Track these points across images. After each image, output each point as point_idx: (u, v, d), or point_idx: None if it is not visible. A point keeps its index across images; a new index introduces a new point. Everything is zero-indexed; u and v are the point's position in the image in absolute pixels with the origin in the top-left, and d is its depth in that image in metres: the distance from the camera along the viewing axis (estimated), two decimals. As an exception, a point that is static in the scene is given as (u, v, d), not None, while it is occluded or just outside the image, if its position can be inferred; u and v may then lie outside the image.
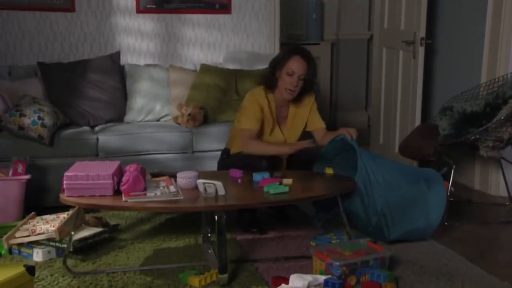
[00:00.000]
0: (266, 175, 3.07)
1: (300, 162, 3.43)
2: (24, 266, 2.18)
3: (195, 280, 2.65)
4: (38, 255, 3.01)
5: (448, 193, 3.67)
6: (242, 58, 4.66)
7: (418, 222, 3.20)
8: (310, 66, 3.35)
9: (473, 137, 3.71)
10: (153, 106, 4.37)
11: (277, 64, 3.39)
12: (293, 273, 2.66)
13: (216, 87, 4.32)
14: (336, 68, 6.69)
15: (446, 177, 3.42)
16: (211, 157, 3.96)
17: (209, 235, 3.18)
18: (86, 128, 4.10)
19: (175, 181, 2.94)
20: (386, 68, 5.17)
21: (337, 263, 2.61)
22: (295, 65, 3.31)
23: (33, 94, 4.02)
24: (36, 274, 2.57)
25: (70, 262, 2.93)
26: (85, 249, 3.09)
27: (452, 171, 3.75)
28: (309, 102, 3.51)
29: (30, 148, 3.75)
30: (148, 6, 4.76)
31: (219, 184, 2.74)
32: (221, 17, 4.91)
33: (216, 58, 4.92)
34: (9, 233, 3.06)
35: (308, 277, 2.58)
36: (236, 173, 3.11)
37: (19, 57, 4.58)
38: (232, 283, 2.73)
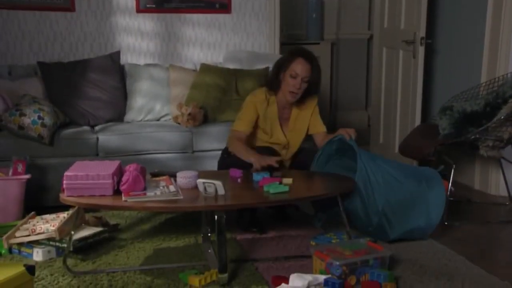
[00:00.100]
0: (266, 174, 3.07)
1: (302, 162, 3.44)
2: (24, 265, 2.18)
3: (195, 280, 2.65)
4: (38, 255, 3.01)
5: (448, 193, 3.67)
6: (242, 57, 4.66)
7: (419, 221, 3.20)
8: (314, 68, 3.35)
9: (473, 137, 3.71)
10: (153, 106, 4.37)
11: (280, 66, 3.40)
12: (293, 272, 2.66)
13: (216, 86, 4.32)
14: (336, 68, 6.69)
15: (444, 176, 3.42)
16: (211, 156, 3.96)
17: (209, 234, 3.18)
18: (86, 127, 4.10)
19: (175, 180, 2.94)
20: (386, 68, 5.17)
21: (337, 263, 2.61)
22: (299, 68, 3.31)
23: (33, 94, 4.02)
24: (36, 273, 2.57)
25: (70, 261, 2.93)
26: (85, 248, 3.09)
27: (452, 170, 3.75)
28: (312, 105, 3.52)
29: (30, 147, 3.75)
30: (148, 5, 4.75)
31: (219, 183, 2.74)
32: (221, 17, 4.91)
33: (216, 57, 4.91)
34: (9, 233, 3.06)
35: (308, 277, 2.58)
36: (236, 172, 3.11)
37: (19, 56, 4.57)
38: (232, 282, 2.73)
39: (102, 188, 2.72)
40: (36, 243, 3.04)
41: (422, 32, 4.48)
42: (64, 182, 2.72)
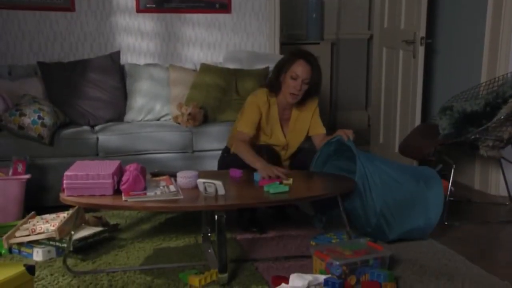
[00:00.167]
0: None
1: (301, 162, 3.44)
2: (24, 265, 2.18)
3: (195, 280, 2.65)
4: (38, 255, 3.01)
5: (448, 193, 3.68)
6: (242, 57, 4.66)
7: (418, 221, 3.20)
8: (314, 70, 3.35)
9: (473, 137, 3.71)
10: (153, 106, 4.37)
11: (281, 67, 3.40)
12: (293, 272, 2.66)
13: (216, 86, 4.32)
14: (336, 68, 6.69)
15: (442, 175, 3.42)
16: (211, 156, 3.96)
17: (209, 234, 3.18)
18: (86, 127, 4.10)
19: (175, 180, 2.94)
20: (386, 68, 5.17)
21: (337, 263, 2.61)
22: (299, 69, 3.31)
23: (33, 94, 4.02)
24: (36, 273, 2.57)
25: (70, 261, 2.93)
26: (85, 248, 3.09)
27: (452, 170, 3.75)
28: (312, 107, 3.52)
29: (30, 147, 3.75)
30: (148, 5, 4.75)
31: (219, 183, 2.74)
32: (221, 17, 4.91)
33: (216, 57, 4.91)
34: (9, 233, 3.06)
35: (308, 277, 2.58)
36: (236, 172, 3.11)
37: (19, 56, 4.57)
38: (232, 282, 2.73)
39: (102, 188, 2.72)
40: (36, 243, 3.04)
41: (422, 32, 4.48)
42: (64, 181, 2.72)
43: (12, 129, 3.75)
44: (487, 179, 4.37)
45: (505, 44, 4.16)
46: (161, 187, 2.83)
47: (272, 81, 3.46)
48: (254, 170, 3.17)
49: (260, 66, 4.46)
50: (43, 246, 3.03)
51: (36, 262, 2.96)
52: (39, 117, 3.76)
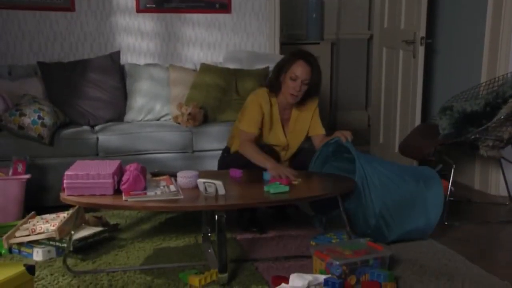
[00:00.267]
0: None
1: (301, 162, 3.44)
2: (24, 265, 2.18)
3: (195, 280, 2.65)
4: (38, 255, 3.01)
5: (448, 193, 3.68)
6: (242, 57, 4.66)
7: (418, 222, 3.20)
8: (314, 71, 3.35)
9: (473, 137, 3.71)
10: (153, 106, 4.37)
11: (281, 68, 3.40)
12: (293, 272, 2.66)
13: (216, 86, 4.32)
14: (336, 68, 6.69)
15: (442, 175, 3.42)
16: (211, 156, 3.96)
17: (209, 234, 3.18)
18: (86, 127, 4.10)
19: (175, 180, 2.94)
20: (386, 68, 5.17)
21: (337, 263, 2.61)
22: (299, 70, 3.31)
23: (33, 94, 4.02)
24: (36, 273, 2.57)
25: (70, 261, 2.93)
26: (85, 248, 3.09)
27: (452, 170, 3.75)
28: (312, 107, 3.52)
29: (30, 147, 3.75)
30: (148, 5, 4.75)
31: (219, 183, 2.74)
32: (221, 17, 4.91)
33: (216, 57, 4.91)
34: (9, 233, 3.06)
35: (308, 277, 2.58)
36: (236, 172, 3.11)
37: (19, 56, 4.57)
38: (232, 282, 2.73)
39: (102, 188, 2.72)
40: (36, 243, 3.04)
41: (422, 32, 4.48)
42: (65, 181, 2.72)
43: (12, 129, 3.75)
44: (487, 179, 4.37)
45: (505, 44, 4.16)
46: (161, 187, 2.83)
47: (272, 81, 3.46)
48: (254, 169, 3.17)
49: (260, 66, 4.46)
50: (43, 246, 3.03)
51: (36, 262, 2.96)
52: (39, 117, 3.76)
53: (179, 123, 4.18)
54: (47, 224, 3.04)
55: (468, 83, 4.35)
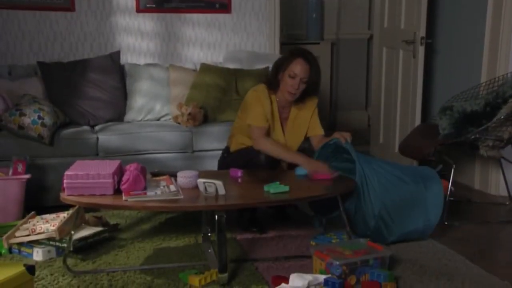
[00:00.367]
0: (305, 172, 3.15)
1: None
2: (24, 265, 2.18)
3: (195, 280, 2.65)
4: (38, 255, 3.01)
5: (448, 193, 3.68)
6: (242, 57, 4.66)
7: (417, 222, 3.20)
8: (313, 69, 3.35)
9: (473, 137, 3.71)
10: (153, 106, 4.37)
11: (280, 66, 3.39)
12: (293, 272, 2.66)
13: (216, 86, 4.32)
14: (336, 68, 6.69)
15: (442, 175, 3.42)
16: (211, 156, 3.96)
17: (209, 234, 3.18)
18: (86, 127, 4.10)
19: (175, 180, 2.94)
20: (386, 68, 5.17)
21: (337, 263, 2.61)
22: (298, 68, 3.31)
23: (33, 94, 4.02)
24: (36, 273, 2.57)
25: (70, 261, 2.93)
26: (85, 248, 3.09)
27: (452, 170, 3.75)
28: (312, 106, 3.51)
29: (30, 147, 3.75)
30: (148, 5, 4.75)
31: (219, 183, 2.74)
32: (221, 17, 4.91)
33: (216, 57, 4.91)
34: (9, 233, 3.06)
35: (308, 277, 2.58)
36: (236, 172, 3.11)
37: (19, 56, 4.57)
38: (232, 282, 2.73)
39: (102, 188, 2.72)
40: (36, 243, 3.04)
41: (422, 32, 4.48)
42: (65, 181, 2.72)
43: (12, 129, 3.75)
44: (487, 179, 4.37)
45: (505, 44, 4.16)
46: (161, 187, 2.83)
47: (270, 79, 3.46)
48: (254, 166, 3.17)
49: (260, 66, 4.46)
50: (43, 246, 3.03)
51: (36, 262, 2.96)
52: (39, 117, 3.76)
53: (179, 123, 4.18)
54: (47, 224, 3.04)
55: (468, 83, 4.35)
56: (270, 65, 4.19)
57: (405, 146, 4.09)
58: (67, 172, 2.73)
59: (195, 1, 4.83)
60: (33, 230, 3.02)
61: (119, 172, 2.83)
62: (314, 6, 6.35)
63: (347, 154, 3.26)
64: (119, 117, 4.33)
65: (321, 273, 2.67)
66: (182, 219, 3.62)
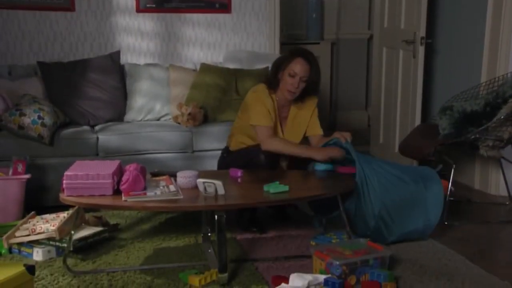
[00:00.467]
0: (329, 166, 3.21)
1: (300, 162, 3.44)
2: (24, 265, 2.18)
3: (195, 280, 2.65)
4: (38, 255, 3.01)
5: (448, 193, 3.68)
6: (242, 57, 4.66)
7: (417, 222, 3.20)
8: (313, 68, 3.35)
9: (473, 137, 3.71)
10: (153, 106, 4.37)
11: (280, 65, 3.40)
12: (293, 272, 2.66)
13: (216, 86, 4.32)
14: (336, 68, 6.69)
15: (441, 175, 3.42)
16: (211, 156, 3.96)
17: (209, 234, 3.18)
18: (86, 127, 4.10)
19: (175, 180, 2.94)
20: (386, 68, 5.17)
21: (337, 263, 2.61)
22: (298, 67, 3.32)
23: (33, 94, 4.02)
24: (36, 273, 2.57)
25: (70, 261, 2.93)
26: (85, 248, 3.09)
27: (452, 170, 3.75)
28: (311, 106, 3.51)
29: (30, 147, 3.75)
30: (148, 5, 4.75)
31: (219, 183, 2.74)
32: (221, 17, 4.91)
33: (216, 57, 4.91)
34: (9, 233, 3.06)
35: (308, 277, 2.58)
36: (236, 172, 3.11)
37: (19, 56, 4.57)
38: (232, 282, 2.73)
39: (102, 188, 2.72)
40: (36, 242, 3.04)
41: (422, 32, 4.48)
42: (64, 181, 2.72)
43: (12, 129, 3.75)
44: (487, 179, 4.37)
45: (505, 44, 4.16)
46: (161, 187, 2.83)
47: (270, 78, 3.46)
48: (254, 165, 3.18)
49: (260, 66, 4.46)
50: (43, 246, 3.03)
51: (36, 262, 2.96)
52: (39, 117, 3.76)
53: (179, 123, 4.18)
54: (47, 224, 3.04)
55: (468, 83, 4.35)
56: (270, 65, 4.19)
57: (405, 146, 4.09)
58: (66, 173, 2.73)
59: (195, 1, 4.83)
60: (33, 230, 3.02)
61: (119, 172, 2.83)
62: (314, 6, 6.35)
63: (347, 154, 3.26)
64: (119, 117, 4.33)
65: (321, 273, 2.67)
66: (182, 219, 3.62)
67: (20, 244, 3.07)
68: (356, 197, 3.10)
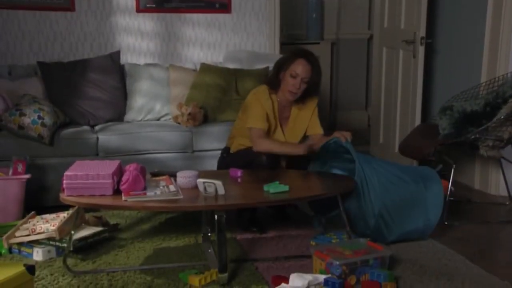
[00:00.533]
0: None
1: (300, 161, 3.44)
2: (24, 265, 2.18)
3: (195, 280, 2.65)
4: (38, 254, 3.01)
5: (448, 193, 3.68)
6: (242, 57, 4.66)
7: (417, 222, 3.20)
8: (314, 70, 3.36)
9: (473, 137, 3.71)
10: (153, 106, 4.37)
11: (281, 65, 3.41)
12: (293, 272, 2.66)
13: (216, 86, 4.32)
14: (336, 68, 6.69)
15: (441, 175, 3.42)
16: (211, 156, 3.96)
17: (209, 234, 3.18)
18: (86, 127, 4.10)
19: (175, 180, 2.94)
20: (386, 68, 5.17)
21: (337, 263, 2.61)
22: (299, 68, 3.32)
23: (33, 94, 4.02)
24: (36, 273, 2.57)
25: (70, 261, 2.93)
26: (85, 248, 3.09)
27: (452, 170, 3.75)
28: (312, 106, 3.53)
29: (30, 147, 3.74)
30: (148, 5, 4.75)
31: (219, 183, 2.74)
32: (221, 17, 4.91)
33: (216, 57, 4.91)
34: (9, 233, 3.06)
35: (308, 277, 2.58)
36: (236, 172, 3.11)
37: (19, 56, 4.57)
38: (232, 282, 2.73)
39: (102, 188, 2.72)
40: (36, 242, 3.04)
41: (422, 32, 4.48)
42: (64, 181, 2.72)
43: (12, 129, 3.75)
44: (487, 179, 4.37)
45: (505, 44, 4.16)
46: (161, 187, 2.83)
47: (271, 79, 3.47)
48: (254, 167, 3.17)
49: (260, 66, 4.45)
50: (43, 246, 3.03)
51: (36, 262, 2.96)
52: (39, 117, 3.76)
53: (179, 123, 4.18)
54: (47, 224, 3.04)
55: (468, 83, 4.35)
56: (270, 65, 4.19)
57: (405, 146, 4.09)
58: (66, 173, 2.73)
59: (195, 1, 4.83)
60: (33, 230, 3.02)
61: (119, 172, 2.83)
62: (314, 6, 6.35)
63: (347, 153, 3.26)
64: (119, 117, 4.33)
65: (321, 273, 2.67)
66: (182, 219, 3.62)
67: (20, 244, 3.06)
68: (356, 196, 3.10)
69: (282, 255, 3.08)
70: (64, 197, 2.73)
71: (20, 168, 3.54)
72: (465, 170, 4.53)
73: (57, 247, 3.03)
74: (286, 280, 2.62)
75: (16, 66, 4.36)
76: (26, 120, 3.72)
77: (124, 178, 2.75)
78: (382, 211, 3.08)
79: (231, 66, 4.54)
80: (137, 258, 3.05)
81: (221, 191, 2.75)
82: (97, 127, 4.13)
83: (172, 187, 2.82)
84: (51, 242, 3.03)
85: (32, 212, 3.26)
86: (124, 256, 3.06)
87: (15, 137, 3.77)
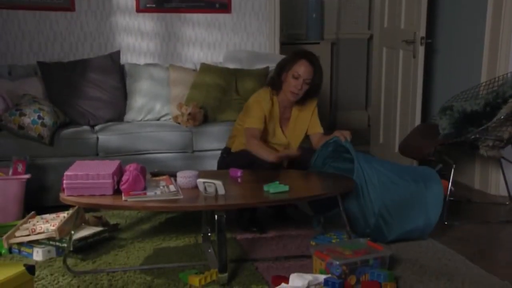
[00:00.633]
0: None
1: (300, 162, 3.44)
2: (24, 265, 2.18)
3: (195, 280, 2.65)
4: (38, 254, 3.01)
5: (448, 193, 3.68)
6: (242, 57, 4.66)
7: (417, 222, 3.20)
8: (316, 71, 3.38)
9: (473, 137, 3.71)
10: (153, 106, 4.37)
11: (284, 66, 3.42)
12: (293, 272, 2.66)
13: (216, 86, 4.32)
14: (336, 68, 6.69)
15: (441, 175, 3.42)
16: (211, 156, 3.96)
17: (209, 234, 3.18)
18: (86, 127, 4.10)
19: (175, 180, 2.94)
20: (386, 68, 5.17)
21: (337, 263, 2.61)
22: (301, 69, 3.33)
23: (33, 94, 4.02)
24: (36, 273, 2.57)
25: (70, 261, 2.93)
26: (85, 248, 3.09)
27: (452, 170, 3.75)
28: (312, 106, 3.54)
29: (30, 147, 3.75)
30: (148, 5, 4.76)
31: (219, 183, 2.74)
32: (221, 17, 4.91)
33: (216, 57, 4.91)
34: (9, 233, 3.06)
35: (308, 277, 2.58)
36: (236, 172, 3.11)
37: (19, 56, 4.57)
38: (232, 282, 2.73)
39: (102, 188, 2.72)
40: (36, 242, 3.04)
41: (422, 32, 4.48)
42: (64, 181, 2.72)
43: (12, 129, 3.75)
44: (487, 179, 4.37)
45: (505, 44, 4.16)
46: (161, 187, 2.83)
47: (273, 79, 3.48)
48: (258, 167, 3.17)
49: (260, 66, 4.45)
50: (43, 246, 3.03)
51: (36, 262, 2.96)
52: (39, 117, 3.76)
53: (179, 123, 4.18)
54: (47, 224, 3.04)
55: (468, 83, 4.35)
56: (270, 65, 4.20)
57: (405, 146, 4.09)
58: (66, 173, 2.73)
59: (195, 1, 4.83)
60: (33, 230, 3.02)
61: (119, 172, 2.83)
62: (314, 6, 6.35)
63: (347, 153, 3.26)
64: (119, 117, 4.33)
65: (321, 273, 2.67)
66: (182, 219, 3.62)
67: (20, 244, 3.06)
68: (356, 196, 3.10)
69: (282, 255, 3.08)
70: (64, 197, 2.73)
71: (20, 168, 3.54)
72: (465, 170, 4.53)
73: (57, 247, 3.03)
74: (286, 280, 2.62)
75: (16, 66, 4.36)
76: (26, 120, 3.72)
77: (124, 178, 2.75)
78: (382, 211, 3.08)
79: (231, 66, 4.54)
80: (137, 258, 3.05)
81: (221, 191, 2.75)
82: (97, 127, 4.13)
83: (172, 187, 2.83)
84: (51, 242, 3.03)
85: (32, 212, 3.26)
86: (124, 256, 3.06)
87: (15, 137, 3.77)
